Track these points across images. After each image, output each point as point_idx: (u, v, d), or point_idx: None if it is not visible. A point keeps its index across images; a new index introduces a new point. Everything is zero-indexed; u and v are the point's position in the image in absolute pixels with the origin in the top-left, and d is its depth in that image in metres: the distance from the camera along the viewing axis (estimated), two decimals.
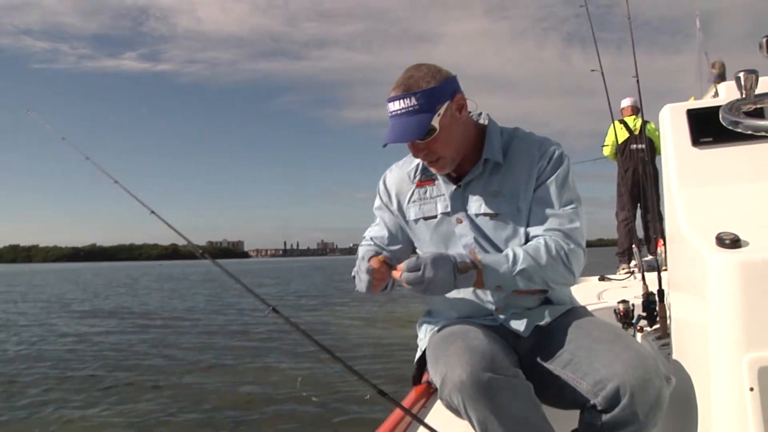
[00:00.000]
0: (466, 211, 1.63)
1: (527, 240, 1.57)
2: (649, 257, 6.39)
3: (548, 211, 1.56)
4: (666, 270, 1.96)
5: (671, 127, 1.80)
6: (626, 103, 6.60)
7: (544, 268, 1.49)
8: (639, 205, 6.68)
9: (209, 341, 9.57)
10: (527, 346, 1.59)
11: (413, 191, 1.72)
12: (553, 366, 1.50)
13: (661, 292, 2.34)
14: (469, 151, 1.63)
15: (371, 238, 1.79)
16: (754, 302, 1.28)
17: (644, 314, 2.40)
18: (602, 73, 2.68)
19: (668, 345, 2.06)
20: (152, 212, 2.31)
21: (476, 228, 1.62)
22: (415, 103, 1.49)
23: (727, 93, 1.81)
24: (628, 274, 5.69)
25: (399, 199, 1.75)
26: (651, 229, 6.21)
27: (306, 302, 16.54)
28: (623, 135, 6.66)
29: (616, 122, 6.68)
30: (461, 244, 1.62)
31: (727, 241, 1.36)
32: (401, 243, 1.77)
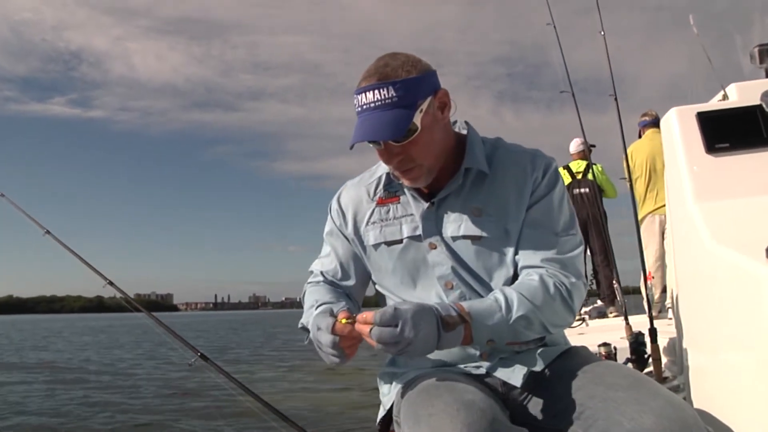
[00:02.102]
0: (441, 233, 1.34)
1: (515, 269, 1.31)
2: (599, 303, 6.28)
3: (544, 235, 1.30)
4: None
5: (680, 132, 1.57)
6: (574, 148, 6.52)
7: (542, 311, 1.22)
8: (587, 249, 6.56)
9: (136, 396, 8.73)
10: (520, 398, 1.30)
11: (373, 210, 1.42)
12: (557, 422, 1.19)
13: (653, 331, 2.07)
14: (447, 163, 1.35)
15: (321, 273, 1.48)
16: None
17: (633, 357, 2.12)
18: (573, 94, 2.52)
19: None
20: (47, 232, 2.02)
21: (453, 254, 1.33)
22: (394, 94, 1.22)
23: (738, 94, 1.59)
24: (580, 321, 5.49)
25: (356, 221, 1.44)
26: (600, 273, 6.09)
27: (238, 356, 15.64)
28: (566, 180, 6.58)
29: (560, 168, 6.62)
30: (435, 275, 1.33)
31: None
32: (356, 277, 1.46)
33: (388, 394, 1.41)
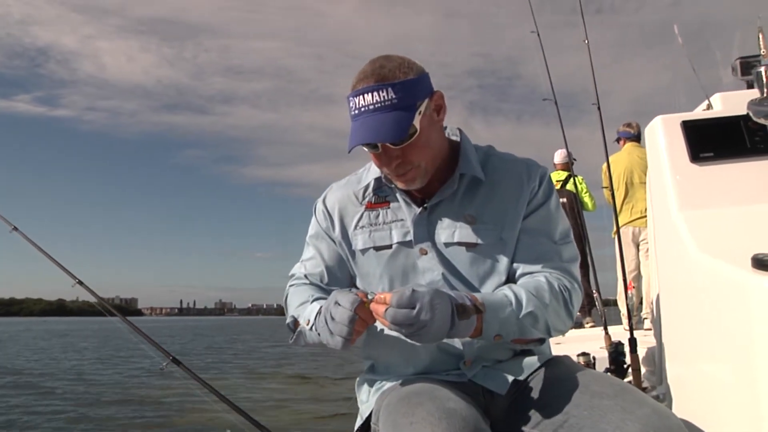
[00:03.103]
0: (432, 239, 1.31)
1: (507, 277, 1.30)
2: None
3: (544, 243, 1.31)
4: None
5: (665, 141, 1.57)
6: (559, 159, 6.55)
7: (548, 310, 1.21)
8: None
9: (104, 404, 8.50)
10: (502, 407, 1.27)
11: (362, 215, 1.38)
12: (540, 430, 1.17)
13: (633, 341, 2.06)
14: (440, 169, 1.32)
15: (305, 276, 1.41)
16: None
17: (612, 367, 2.11)
18: (555, 102, 2.53)
19: None
20: (15, 229, 1.96)
21: (444, 261, 1.30)
22: (393, 96, 1.19)
23: (722, 104, 1.60)
24: None
25: (344, 224, 1.40)
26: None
27: (205, 363, 15.38)
28: None
29: None
30: (425, 281, 1.30)
31: None
32: (342, 281, 1.41)
33: (367, 401, 1.37)
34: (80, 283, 1.55)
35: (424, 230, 1.32)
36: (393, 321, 1.05)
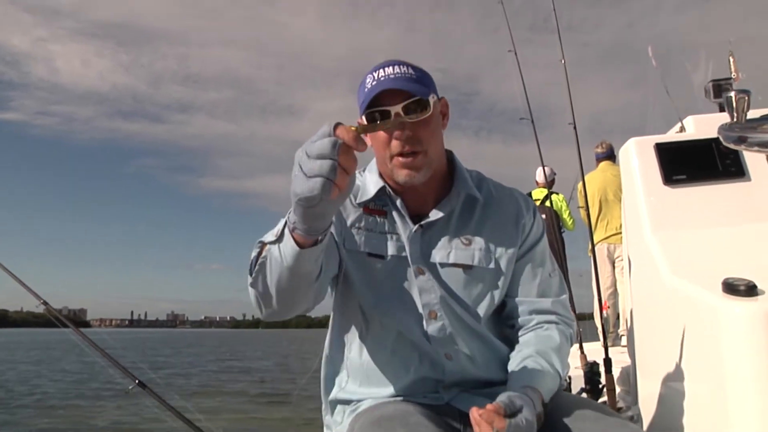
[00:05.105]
0: (428, 260, 1.28)
1: (503, 304, 1.33)
2: None
3: (541, 276, 1.34)
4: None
5: (639, 163, 1.58)
6: (539, 177, 6.59)
7: (566, 363, 1.31)
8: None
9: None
10: None
11: (359, 215, 1.31)
12: None
13: (608, 361, 2.06)
14: (436, 188, 1.30)
15: None
16: None
17: (587, 387, 2.11)
18: (532, 120, 2.55)
19: None
20: None
21: (441, 282, 1.27)
22: (413, 73, 1.22)
23: (695, 127, 1.62)
24: None
25: (342, 216, 1.31)
26: None
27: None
28: None
29: None
30: (421, 301, 1.27)
31: (742, 288, 1.10)
32: (333, 269, 1.28)
33: (341, 422, 1.34)
34: (45, 303, 1.47)
35: (418, 249, 1.28)
36: None
